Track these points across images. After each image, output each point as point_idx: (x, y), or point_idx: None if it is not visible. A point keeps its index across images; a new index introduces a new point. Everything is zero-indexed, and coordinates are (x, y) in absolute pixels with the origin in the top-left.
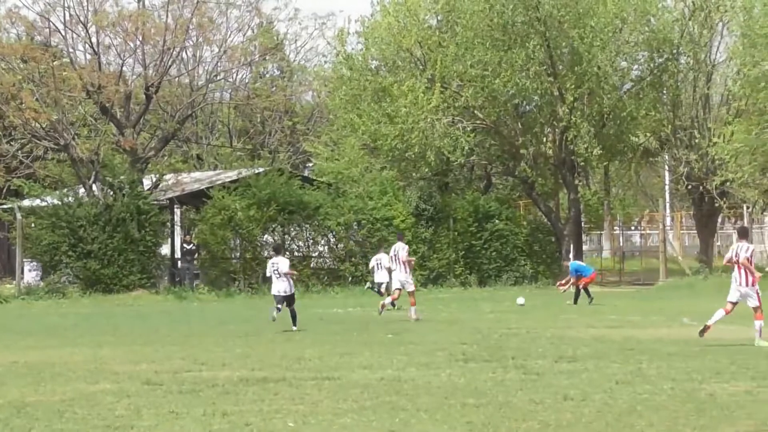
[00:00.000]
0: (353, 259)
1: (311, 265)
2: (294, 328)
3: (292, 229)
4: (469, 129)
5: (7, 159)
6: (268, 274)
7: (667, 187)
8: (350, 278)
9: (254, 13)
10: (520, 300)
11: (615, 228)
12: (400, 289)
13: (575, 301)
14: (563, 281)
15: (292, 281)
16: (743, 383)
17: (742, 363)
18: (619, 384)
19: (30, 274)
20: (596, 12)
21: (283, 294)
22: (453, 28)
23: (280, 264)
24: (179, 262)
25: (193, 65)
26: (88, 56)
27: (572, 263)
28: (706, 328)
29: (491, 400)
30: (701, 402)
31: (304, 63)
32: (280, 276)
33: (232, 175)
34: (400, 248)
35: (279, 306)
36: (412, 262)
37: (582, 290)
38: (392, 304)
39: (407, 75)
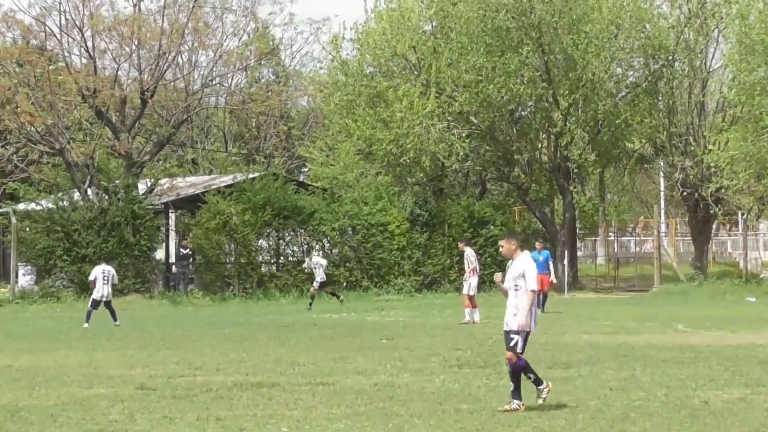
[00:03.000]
0: (348, 264)
1: (306, 271)
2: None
3: (286, 234)
4: (464, 134)
5: (2, 162)
6: (92, 278)
7: (662, 194)
8: (345, 283)
9: (250, 17)
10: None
11: (610, 234)
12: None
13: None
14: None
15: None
16: (737, 390)
17: (735, 370)
18: (613, 390)
19: (24, 278)
20: (591, 18)
21: (107, 299)
22: (447, 34)
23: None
24: (174, 267)
25: (189, 69)
26: (84, 60)
27: (546, 252)
28: None
29: (485, 406)
30: (695, 409)
31: (300, 68)
32: (107, 282)
33: (227, 179)
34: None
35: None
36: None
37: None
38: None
39: (402, 80)
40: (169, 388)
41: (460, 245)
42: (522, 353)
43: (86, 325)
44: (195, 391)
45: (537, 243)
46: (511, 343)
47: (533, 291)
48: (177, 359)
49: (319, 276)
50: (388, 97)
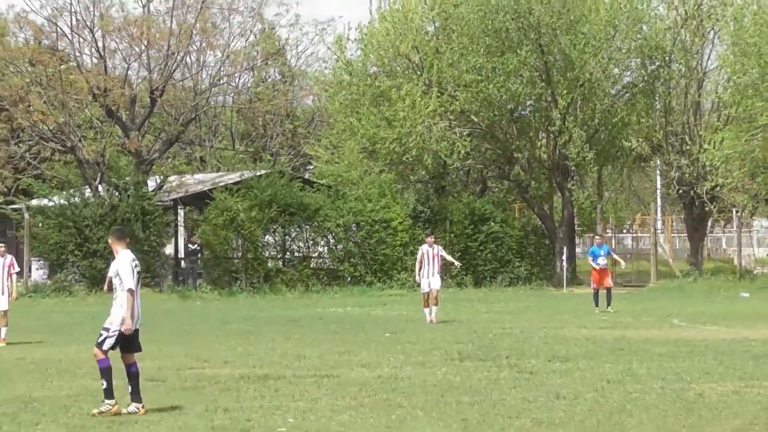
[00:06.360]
0: (352, 259)
1: (311, 266)
2: None
3: (292, 230)
4: (465, 133)
5: (16, 160)
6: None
7: (658, 192)
8: (349, 278)
9: (256, 18)
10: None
11: (607, 231)
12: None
13: (595, 303)
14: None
15: None
16: (731, 383)
17: (729, 364)
18: (610, 383)
19: (37, 272)
20: (588, 19)
21: None
22: (449, 35)
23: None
24: (183, 262)
25: (197, 69)
26: (95, 60)
27: (606, 246)
28: None
29: (485, 398)
30: (690, 401)
31: (305, 68)
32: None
33: (234, 177)
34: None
35: None
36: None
37: (597, 292)
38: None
39: (405, 80)
40: (179, 380)
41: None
42: (110, 349)
43: None
44: (203, 383)
45: (596, 238)
46: (99, 339)
47: (130, 290)
48: (186, 352)
49: None
50: (391, 96)
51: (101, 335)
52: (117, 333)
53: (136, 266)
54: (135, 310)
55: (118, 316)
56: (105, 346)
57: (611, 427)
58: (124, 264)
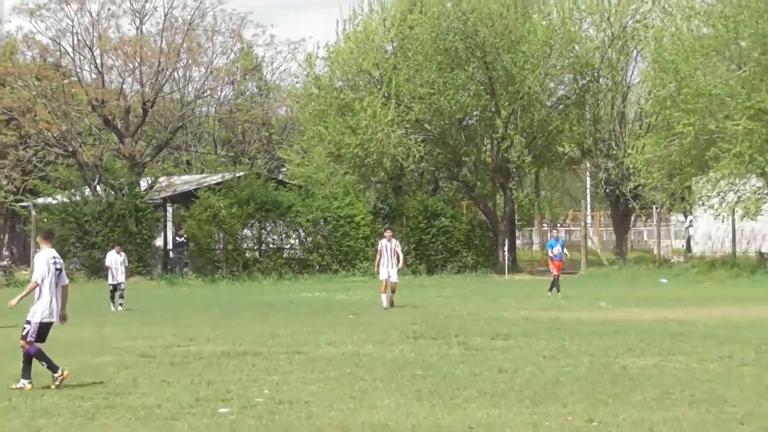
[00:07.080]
0: (320, 250)
1: (284, 256)
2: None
3: (267, 224)
4: (419, 139)
5: (24, 163)
6: (108, 264)
7: (588, 191)
8: (317, 267)
9: (236, 39)
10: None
11: (543, 225)
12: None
13: (557, 289)
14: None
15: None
16: (650, 358)
17: (649, 341)
18: (546, 358)
19: None
20: (527, 39)
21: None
22: (405, 53)
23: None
24: (171, 253)
25: (184, 83)
26: (94, 75)
27: (560, 240)
28: None
29: (437, 371)
30: (615, 374)
31: (279, 82)
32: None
33: (216, 178)
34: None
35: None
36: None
37: (558, 278)
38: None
39: (366, 93)
40: (167, 357)
41: (390, 234)
42: (34, 341)
43: (117, 308)
44: (189, 359)
45: (553, 231)
46: (23, 332)
47: (35, 282)
48: (173, 332)
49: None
50: (355, 107)
51: (25, 329)
52: (37, 324)
53: (54, 263)
54: (53, 305)
55: (38, 308)
56: (29, 338)
57: (547, 397)
58: (40, 259)
